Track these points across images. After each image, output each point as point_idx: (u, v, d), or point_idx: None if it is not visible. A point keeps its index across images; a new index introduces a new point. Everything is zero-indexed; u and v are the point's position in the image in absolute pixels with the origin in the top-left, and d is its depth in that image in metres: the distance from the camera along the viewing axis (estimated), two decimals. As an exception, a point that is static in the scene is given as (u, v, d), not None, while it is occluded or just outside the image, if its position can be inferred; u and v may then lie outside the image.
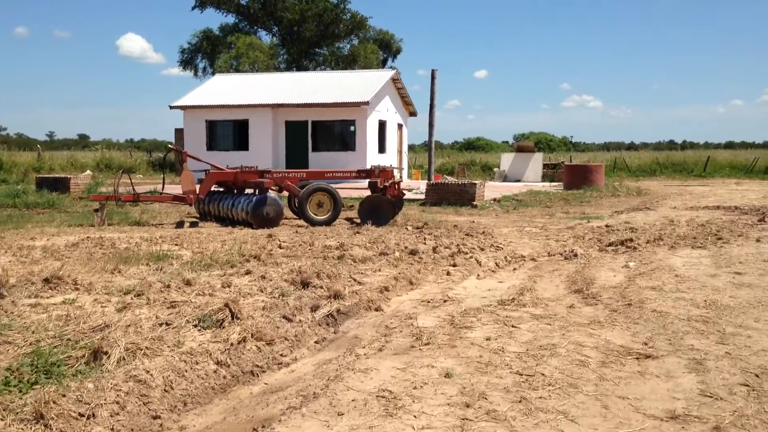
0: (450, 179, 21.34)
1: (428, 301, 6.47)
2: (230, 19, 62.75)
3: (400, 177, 29.82)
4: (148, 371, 4.07)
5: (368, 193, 12.11)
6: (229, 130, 27.43)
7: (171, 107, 27.47)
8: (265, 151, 26.63)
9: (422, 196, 16.58)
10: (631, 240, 9.15)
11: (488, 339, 4.99)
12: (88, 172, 41.84)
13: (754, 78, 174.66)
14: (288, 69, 53.79)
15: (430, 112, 18.34)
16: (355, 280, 6.88)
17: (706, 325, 5.22)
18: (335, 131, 26.82)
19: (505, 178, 28.65)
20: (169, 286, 6.24)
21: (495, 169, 30.67)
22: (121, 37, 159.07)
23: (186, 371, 4.23)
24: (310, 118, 26.59)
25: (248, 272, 7.08)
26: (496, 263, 8.35)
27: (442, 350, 4.78)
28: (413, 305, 6.35)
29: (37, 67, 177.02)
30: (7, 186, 21.57)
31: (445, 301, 6.48)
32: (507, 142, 79.10)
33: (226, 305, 5.26)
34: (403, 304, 6.45)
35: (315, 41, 61.20)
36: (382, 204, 11.49)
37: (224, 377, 4.36)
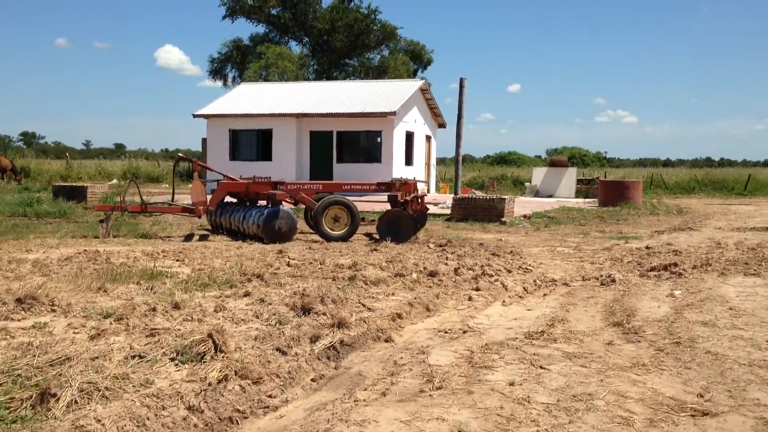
0: (478, 194, 20.60)
1: (446, 332, 5.76)
2: (261, 29, 62.98)
3: (426, 190, 29.15)
4: (99, 420, 3.43)
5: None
6: (253, 140, 27.00)
7: (194, 116, 27.16)
8: (288, 161, 26.15)
9: (449, 211, 15.87)
10: (676, 264, 8.33)
11: (512, 384, 4.26)
12: (114, 180, 42.04)
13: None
14: (317, 80, 53.50)
15: (458, 123, 17.65)
16: (364, 305, 6.19)
17: (773, 373, 4.43)
18: (361, 142, 26.23)
19: (536, 194, 27.77)
20: (154, 310, 5.64)
21: (526, 184, 29.80)
22: (159, 49, 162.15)
23: (148, 419, 3.58)
24: (335, 128, 26.06)
25: (247, 294, 6.45)
26: (524, 288, 7.61)
27: (456, 397, 4.07)
28: (428, 336, 5.66)
29: (77, 77, 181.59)
30: (26, 194, 21.30)
31: (464, 331, 5.77)
32: (540, 156, 78.03)
33: (210, 336, 4.61)
34: (417, 334, 5.75)
35: (345, 52, 61.04)
36: (402, 219, 10.81)
37: (195, 426, 3.70)
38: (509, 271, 8.47)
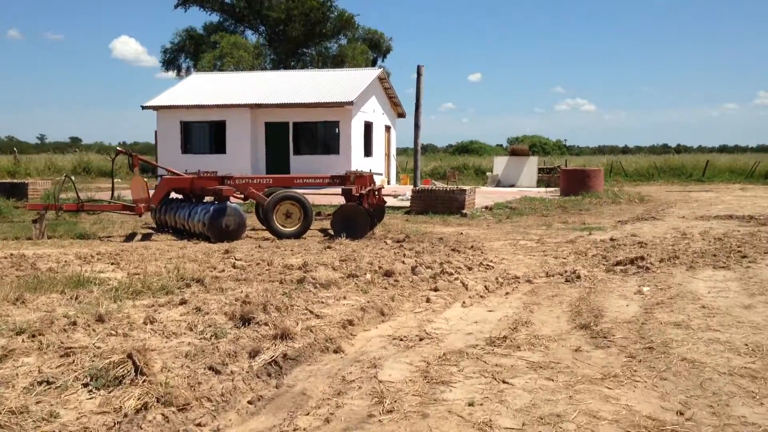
0: (439, 185, 20.22)
1: (401, 339, 5.32)
2: (215, 17, 61.66)
3: (387, 181, 28.69)
4: (-20, 471, 2.88)
5: None
6: (206, 132, 26.21)
7: (143, 107, 26.23)
8: (243, 154, 25.43)
9: (408, 204, 15.44)
10: (642, 258, 8.01)
11: (471, 404, 3.83)
12: (63, 175, 40.63)
13: (748, 81, 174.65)
14: (275, 70, 52.63)
15: (416, 112, 17.21)
16: (311, 312, 5.70)
17: (755, 383, 4.08)
18: (318, 133, 25.64)
19: (498, 183, 27.55)
20: (75, 324, 5.06)
21: (488, 174, 29.57)
22: (115, 39, 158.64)
23: (43, 465, 3.04)
24: (291, 119, 25.42)
25: (183, 302, 5.89)
26: (485, 286, 7.20)
27: (408, 422, 3.62)
28: (382, 344, 5.20)
29: (30, 69, 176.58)
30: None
31: (421, 338, 5.33)
32: (501, 145, 78.17)
33: (130, 356, 4.08)
34: (370, 342, 5.29)
35: (302, 41, 60.16)
36: (357, 214, 10.32)
37: (103, 469, 3.18)
38: (470, 269, 8.06)
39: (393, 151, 30.80)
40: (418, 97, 16.89)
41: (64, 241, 10.14)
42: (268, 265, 7.75)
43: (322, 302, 6.10)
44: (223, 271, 7.54)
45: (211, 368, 4.31)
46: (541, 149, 71.16)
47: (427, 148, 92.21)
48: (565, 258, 8.82)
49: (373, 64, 57.59)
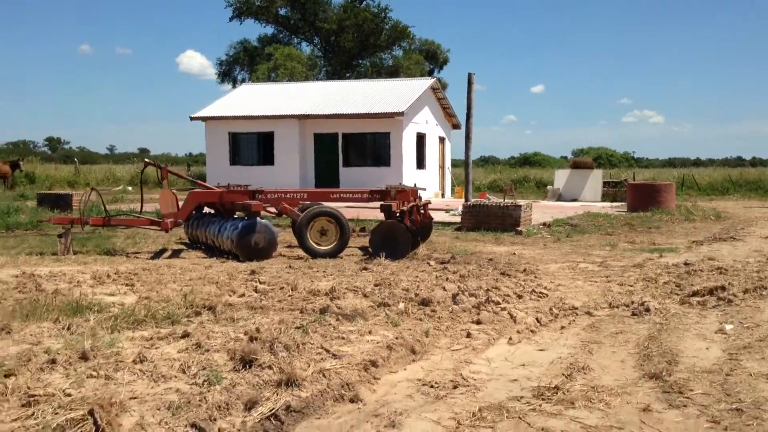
0: (495, 199, 19.32)
1: (432, 385, 4.56)
2: (269, 30, 62.19)
3: (441, 195, 27.88)
4: None
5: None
6: (254, 143, 25.97)
7: (192, 118, 26.17)
8: (291, 165, 25.06)
9: (460, 219, 14.64)
10: (723, 288, 7.02)
11: (507, 489, 3.03)
12: (121, 186, 41.28)
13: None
14: (329, 81, 52.65)
15: (467, 123, 16.39)
16: (328, 351, 4.97)
17: None
18: (368, 144, 25.08)
19: (559, 197, 26.42)
20: (54, 362, 4.48)
21: (548, 187, 28.44)
22: (181, 54, 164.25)
23: None
24: (340, 130, 24.93)
25: (185, 335, 5.27)
26: (537, 319, 6.35)
27: None
28: (409, 391, 4.46)
29: (101, 82, 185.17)
30: (13, 202, 20.34)
31: (455, 386, 4.55)
32: (565, 157, 76.40)
33: (91, 413, 3.44)
34: (395, 388, 4.54)
35: (356, 52, 60.08)
36: (398, 233, 9.59)
37: None
38: (520, 297, 7.22)
39: (448, 163, 29.99)
40: (469, 106, 16.08)
41: (88, 258, 9.72)
42: (292, 290, 7.08)
43: (344, 338, 5.38)
44: (243, 295, 6.91)
45: (194, 426, 3.64)
46: (607, 161, 69.17)
47: (488, 159, 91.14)
48: (631, 285, 7.87)
49: (430, 75, 56.92)
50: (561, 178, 26.99)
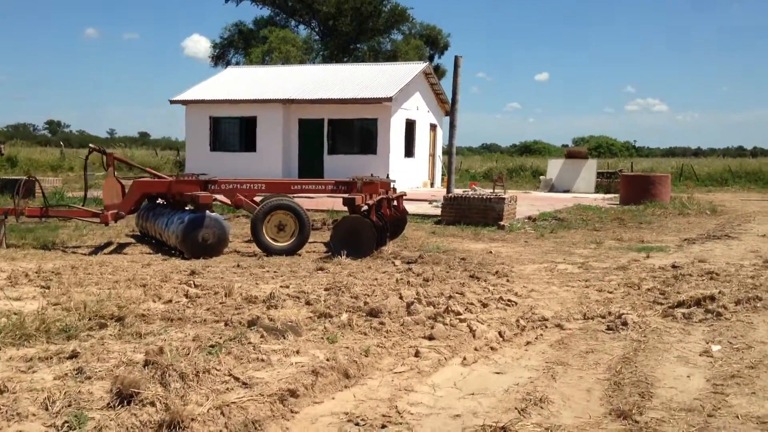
0: (480, 190, 18.51)
1: (359, 422, 3.80)
2: (266, 12, 61.12)
3: (431, 184, 27.05)
4: None
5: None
6: (236, 129, 25.09)
7: (171, 102, 25.28)
8: (275, 152, 24.22)
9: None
10: (713, 298, 6.23)
11: None
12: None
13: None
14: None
15: (452, 110, 15.52)
16: (237, 378, 4.19)
17: None
18: (355, 131, 24.22)
19: (552, 188, 25.61)
20: None
21: (541, 178, 27.63)
22: (187, 38, 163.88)
23: None
24: (326, 116, 24.07)
25: (74, 355, 4.48)
26: (499, 333, 5.57)
27: None
28: (330, 429, 3.69)
29: (104, 66, 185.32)
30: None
31: (384, 424, 3.79)
32: (567, 145, 75.68)
33: None
34: (314, 425, 3.79)
35: (353, 36, 59.14)
36: (362, 228, 8.79)
37: None
38: (485, 305, 6.43)
39: (439, 152, 29.14)
40: (455, 92, 15.20)
41: (20, 253, 8.91)
42: (226, 295, 6.29)
43: (263, 360, 4.59)
44: (170, 301, 6.12)
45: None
46: (607, 150, 68.38)
47: (490, 147, 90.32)
48: (611, 292, 7.08)
49: (430, 60, 55.95)
50: (554, 168, 26.17)
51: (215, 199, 9.49)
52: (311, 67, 31.63)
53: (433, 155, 28.29)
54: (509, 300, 6.65)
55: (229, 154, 24.63)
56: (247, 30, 60.52)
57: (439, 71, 63.63)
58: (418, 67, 26.25)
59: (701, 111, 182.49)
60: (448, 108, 29.01)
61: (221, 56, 62.82)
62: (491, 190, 23.40)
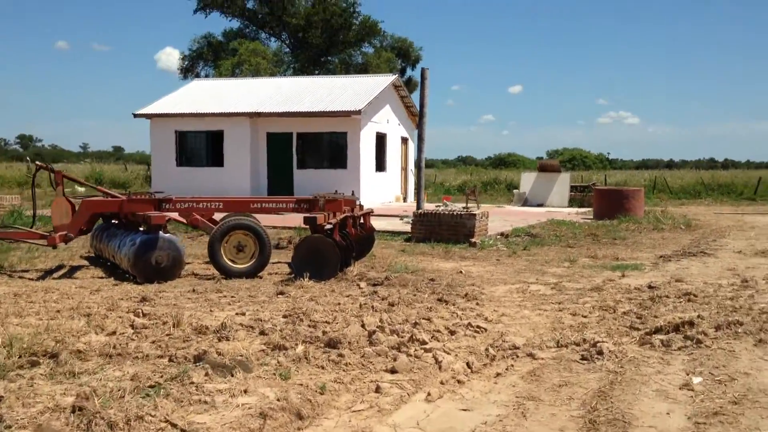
0: (452, 205, 18.28)
1: (309, 473, 3.43)
2: (236, 24, 60.68)
3: (404, 199, 26.75)
4: None
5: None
6: (202, 143, 24.59)
7: (135, 115, 24.72)
8: (242, 167, 23.76)
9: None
10: (691, 324, 5.97)
11: None
12: (78, 188, 39.54)
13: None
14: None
15: (420, 123, 15.23)
16: (174, 425, 3.81)
17: None
18: (324, 145, 23.85)
19: (525, 202, 25.45)
20: None
21: (514, 191, 27.48)
22: (160, 51, 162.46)
23: None
24: (295, 129, 23.68)
25: (-5, 400, 4.06)
26: (467, 363, 5.25)
27: None
28: (275, 486, 3.33)
29: (77, 80, 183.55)
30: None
31: (337, 476, 3.43)
32: (541, 158, 76.02)
33: None
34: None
35: (324, 48, 58.90)
36: (325, 249, 8.43)
37: None
38: (452, 333, 6.10)
39: (411, 165, 28.87)
40: (422, 105, 14.92)
41: (-40, 278, 8.43)
42: (174, 326, 5.88)
43: (207, 401, 4.21)
44: (114, 333, 5.71)
45: None
46: (581, 163, 68.74)
47: (465, 160, 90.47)
48: (586, 316, 6.80)
49: (401, 73, 55.80)
50: (527, 181, 26.03)
51: (170, 219, 9.06)
52: (279, 79, 31.23)
53: (405, 169, 28.04)
54: (478, 326, 6.33)
55: (196, 169, 24.13)
56: (216, 42, 60.02)
57: (411, 84, 63.60)
58: (387, 79, 26.02)
59: (673, 124, 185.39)
60: (420, 121, 28.88)
61: (190, 69, 62.16)
62: (464, 205, 23.23)
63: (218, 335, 5.60)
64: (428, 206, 19.55)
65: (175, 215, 9.45)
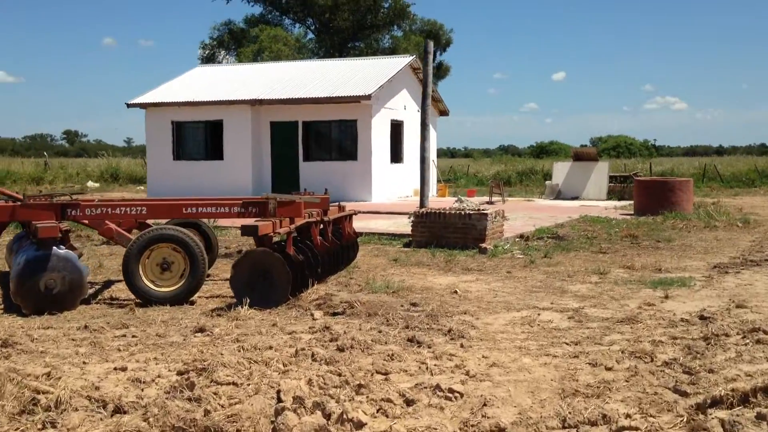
0: (468, 201, 16.36)
1: None
2: (257, 9, 59.39)
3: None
4: None
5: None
6: (201, 135, 22.99)
7: (128, 105, 23.22)
8: (243, 160, 22.12)
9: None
10: (765, 391, 4.01)
11: None
12: (89, 183, 38.48)
13: None
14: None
15: (423, 105, 13.35)
16: None
17: None
18: (332, 135, 22.08)
19: (558, 195, 23.31)
20: None
21: (546, 183, 25.34)
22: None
23: None
24: (300, 118, 21.93)
25: None
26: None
27: None
28: None
29: (123, 74, 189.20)
30: None
31: None
32: (585, 145, 73.30)
33: None
34: None
35: (351, 33, 57.30)
36: (272, 267, 6.61)
37: None
38: (410, 403, 4.24)
39: (433, 156, 26.89)
40: (426, 84, 13.01)
41: None
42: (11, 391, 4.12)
43: None
44: None
45: None
46: (626, 150, 65.87)
47: (508, 149, 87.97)
48: (610, 368, 4.87)
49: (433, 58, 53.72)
50: (560, 172, 23.86)
51: (69, 230, 7.37)
52: (284, 63, 29.35)
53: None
54: (451, 390, 4.44)
55: (194, 163, 22.59)
56: (237, 29, 58.92)
57: (441, 69, 61.45)
58: (403, 60, 24.07)
59: (721, 108, 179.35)
60: (443, 107, 26.84)
61: (211, 57, 61.08)
62: (488, 199, 21.23)
63: (48, 416, 3.83)
64: (443, 202, 17.64)
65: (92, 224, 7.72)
